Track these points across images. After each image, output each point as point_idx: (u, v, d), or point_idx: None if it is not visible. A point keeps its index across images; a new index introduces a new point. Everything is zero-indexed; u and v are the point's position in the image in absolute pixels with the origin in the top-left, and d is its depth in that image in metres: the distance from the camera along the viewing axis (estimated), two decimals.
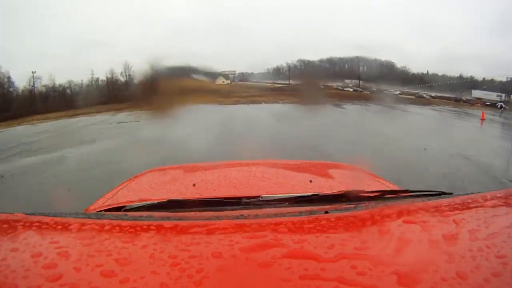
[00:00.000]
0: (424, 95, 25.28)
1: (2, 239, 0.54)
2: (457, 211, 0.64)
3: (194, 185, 1.18)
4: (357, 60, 28.15)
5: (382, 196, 0.88)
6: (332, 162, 1.75)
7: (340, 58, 29.93)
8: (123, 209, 0.89)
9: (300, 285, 0.41)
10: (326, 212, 0.66)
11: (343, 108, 17.67)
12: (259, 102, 19.89)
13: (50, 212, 0.66)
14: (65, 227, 0.58)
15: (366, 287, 0.41)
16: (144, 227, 0.58)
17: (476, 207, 0.66)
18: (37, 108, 21.46)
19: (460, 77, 27.11)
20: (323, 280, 0.42)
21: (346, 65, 29.87)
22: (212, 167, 1.58)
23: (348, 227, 0.58)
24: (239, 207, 0.81)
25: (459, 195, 0.74)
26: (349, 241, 0.52)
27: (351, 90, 25.17)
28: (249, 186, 1.22)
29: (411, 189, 0.91)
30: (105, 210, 0.94)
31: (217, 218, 0.64)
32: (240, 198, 0.85)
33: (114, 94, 22.93)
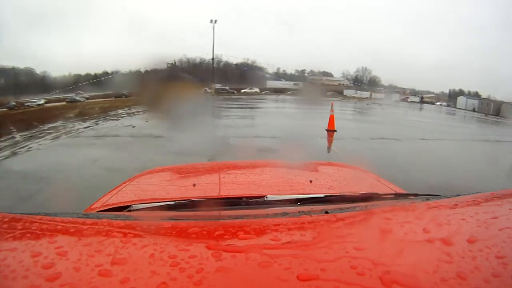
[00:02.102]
0: (78, 98, 21.63)
1: (2, 239, 0.54)
2: (457, 212, 0.64)
3: (194, 185, 1.18)
4: None
5: (382, 196, 0.88)
6: (332, 162, 1.75)
7: None
8: (123, 209, 0.89)
9: (299, 285, 0.41)
10: (326, 212, 0.66)
11: None
12: None
13: (50, 212, 0.66)
14: (65, 227, 0.58)
15: (366, 287, 0.41)
16: (144, 227, 0.58)
17: (476, 207, 0.66)
18: None
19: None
20: (323, 280, 0.42)
21: None
22: (212, 167, 1.58)
23: (348, 227, 0.58)
24: (238, 207, 0.81)
25: (458, 195, 0.74)
26: (349, 241, 0.52)
27: None
28: (249, 186, 1.22)
29: (410, 192, 0.91)
30: (105, 210, 0.94)
31: (217, 218, 0.64)
32: (239, 198, 0.85)
33: None
